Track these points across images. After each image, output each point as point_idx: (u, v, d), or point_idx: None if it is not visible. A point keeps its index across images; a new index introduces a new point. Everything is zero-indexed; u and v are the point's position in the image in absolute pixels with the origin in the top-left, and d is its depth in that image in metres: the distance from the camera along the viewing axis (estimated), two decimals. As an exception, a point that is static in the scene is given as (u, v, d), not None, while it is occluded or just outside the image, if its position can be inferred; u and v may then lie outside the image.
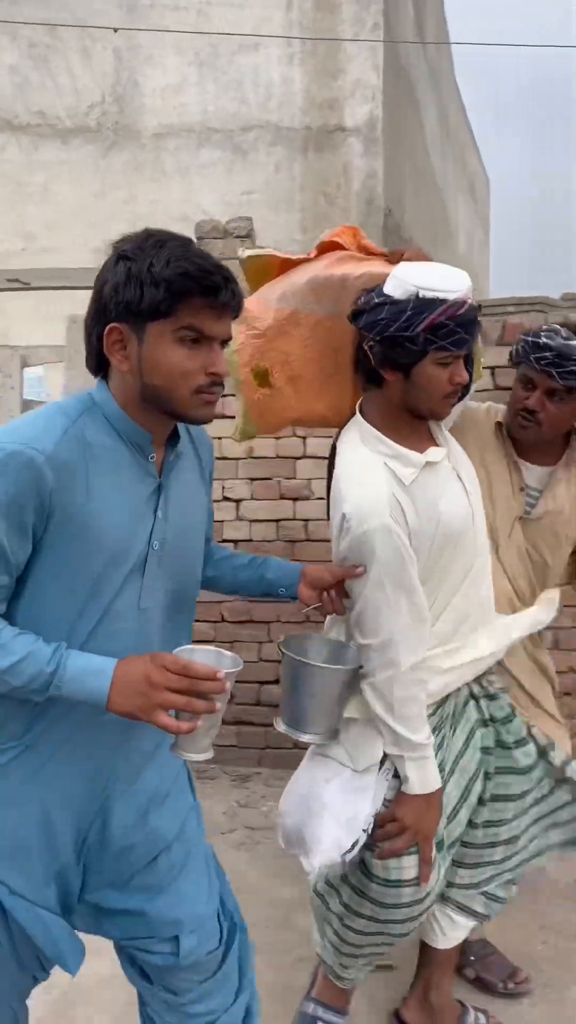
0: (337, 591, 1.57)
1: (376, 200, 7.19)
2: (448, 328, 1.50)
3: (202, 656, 1.22)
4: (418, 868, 1.61)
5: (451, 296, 1.50)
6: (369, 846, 1.62)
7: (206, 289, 1.18)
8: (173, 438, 1.33)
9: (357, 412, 1.66)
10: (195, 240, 1.53)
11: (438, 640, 1.63)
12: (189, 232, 3.91)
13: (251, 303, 1.68)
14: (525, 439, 1.97)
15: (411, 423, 1.61)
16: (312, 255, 1.76)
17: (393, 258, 1.68)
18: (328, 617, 1.74)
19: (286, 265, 1.75)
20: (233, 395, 1.90)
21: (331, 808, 1.59)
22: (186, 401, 1.22)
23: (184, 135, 7.08)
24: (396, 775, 1.61)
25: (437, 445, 1.64)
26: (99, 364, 1.27)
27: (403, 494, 1.53)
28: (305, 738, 1.59)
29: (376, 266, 1.68)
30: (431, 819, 1.59)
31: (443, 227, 10.96)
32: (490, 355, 3.76)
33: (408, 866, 1.60)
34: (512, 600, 1.99)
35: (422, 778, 1.57)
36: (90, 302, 1.25)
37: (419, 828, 1.58)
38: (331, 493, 1.62)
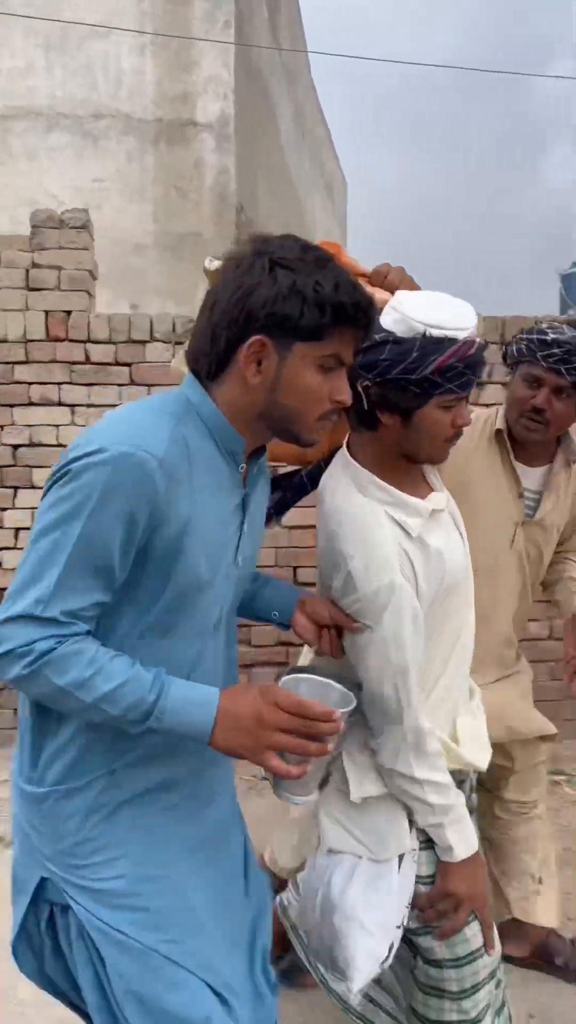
0: (337, 631, 1.41)
1: (229, 197, 7.31)
2: (457, 370, 1.35)
3: (308, 688, 1.13)
4: (482, 935, 1.46)
5: (461, 335, 1.35)
6: (426, 930, 1.46)
7: (366, 321, 1.13)
8: (258, 450, 1.24)
9: (344, 453, 1.47)
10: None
11: (435, 708, 1.47)
12: (25, 218, 3.90)
13: None
14: (531, 440, 1.90)
15: (406, 467, 1.45)
16: None
17: (375, 280, 1.52)
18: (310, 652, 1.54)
19: None
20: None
21: (356, 918, 1.40)
22: (310, 425, 1.17)
23: (32, 118, 6.95)
24: (424, 847, 1.45)
25: (431, 488, 1.50)
26: (217, 368, 1.15)
27: (411, 546, 1.39)
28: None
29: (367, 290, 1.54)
30: (482, 881, 1.45)
31: (299, 225, 11.22)
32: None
33: (472, 935, 1.45)
34: (510, 601, 2.00)
35: (465, 840, 1.42)
36: (225, 303, 1.12)
37: (474, 895, 1.42)
38: (327, 545, 1.42)
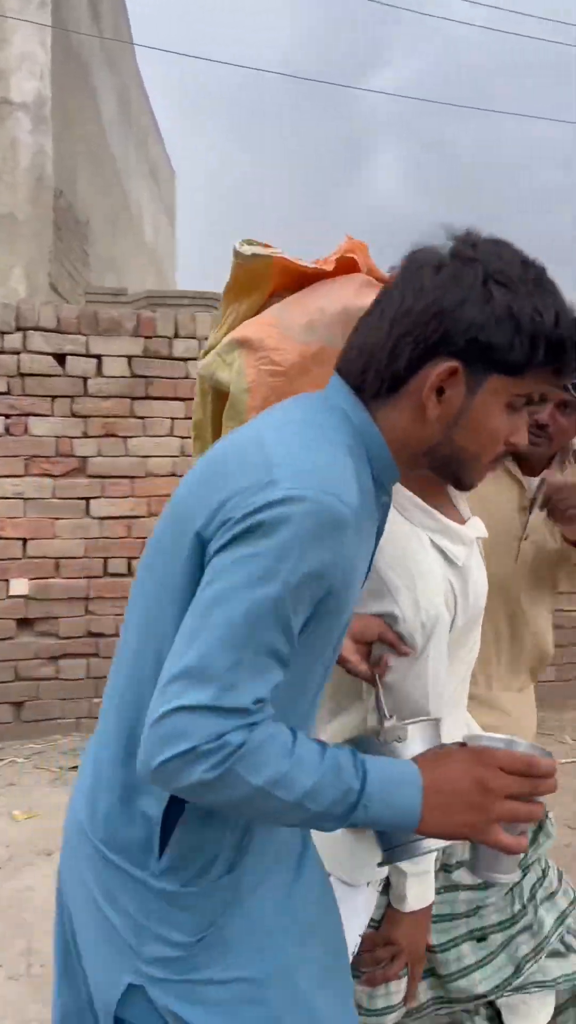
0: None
1: (46, 179, 7.13)
2: None
3: (488, 744, 0.99)
4: (405, 990, 1.39)
5: None
6: (354, 973, 1.35)
7: None
8: None
9: None
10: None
11: None
12: None
13: (267, 329, 1.34)
14: (535, 455, 1.84)
15: (440, 488, 1.35)
16: (329, 267, 1.43)
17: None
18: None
19: (287, 272, 1.41)
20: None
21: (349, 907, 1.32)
22: (480, 470, 1.00)
23: None
24: (383, 891, 1.37)
25: (459, 513, 1.42)
26: (388, 386, 0.95)
27: (454, 576, 1.31)
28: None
29: None
30: (424, 935, 1.38)
31: (125, 213, 11.07)
32: (124, 345, 3.99)
33: (396, 991, 1.38)
34: (528, 616, 1.92)
35: (420, 894, 1.33)
36: (418, 314, 0.92)
37: (414, 948, 1.36)
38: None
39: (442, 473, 1.02)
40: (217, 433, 1.37)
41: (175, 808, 0.92)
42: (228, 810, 0.88)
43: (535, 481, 1.91)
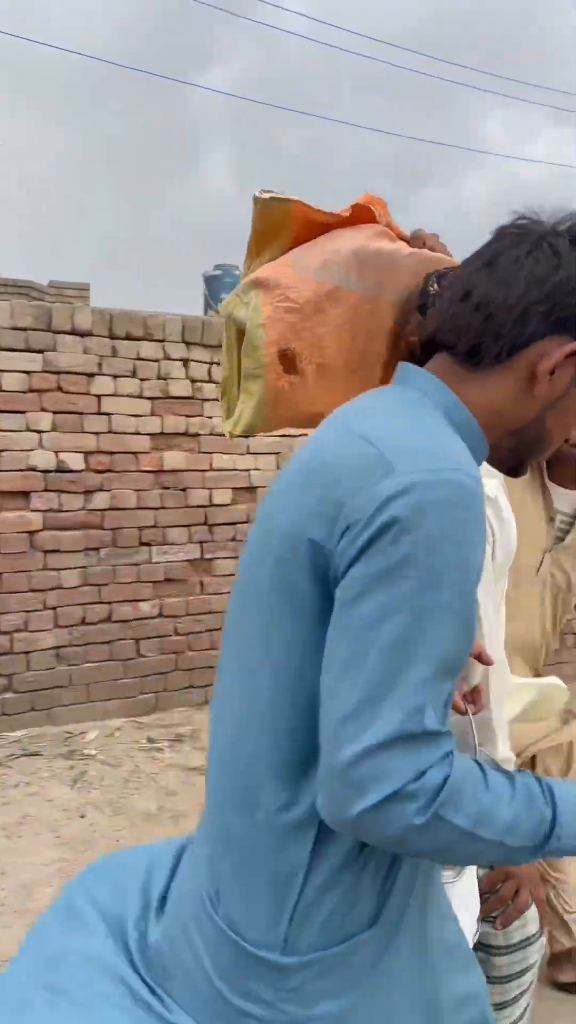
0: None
1: None
2: None
3: None
4: (538, 917, 1.39)
5: None
6: (483, 919, 1.34)
7: None
8: None
9: None
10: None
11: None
12: None
13: (283, 269, 1.37)
14: None
15: None
16: (345, 214, 1.46)
17: (415, 243, 1.46)
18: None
19: (306, 222, 1.43)
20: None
21: (456, 895, 1.28)
22: (537, 456, 0.98)
23: None
24: None
25: None
26: (506, 352, 0.90)
27: (489, 509, 1.31)
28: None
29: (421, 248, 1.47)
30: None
31: None
32: None
33: (532, 919, 1.38)
34: (532, 640, 1.87)
35: None
36: (555, 285, 0.88)
37: (532, 872, 1.35)
38: None
39: (510, 458, 0.98)
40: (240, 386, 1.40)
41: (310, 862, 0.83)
42: (429, 857, 0.82)
43: (569, 495, 1.87)
